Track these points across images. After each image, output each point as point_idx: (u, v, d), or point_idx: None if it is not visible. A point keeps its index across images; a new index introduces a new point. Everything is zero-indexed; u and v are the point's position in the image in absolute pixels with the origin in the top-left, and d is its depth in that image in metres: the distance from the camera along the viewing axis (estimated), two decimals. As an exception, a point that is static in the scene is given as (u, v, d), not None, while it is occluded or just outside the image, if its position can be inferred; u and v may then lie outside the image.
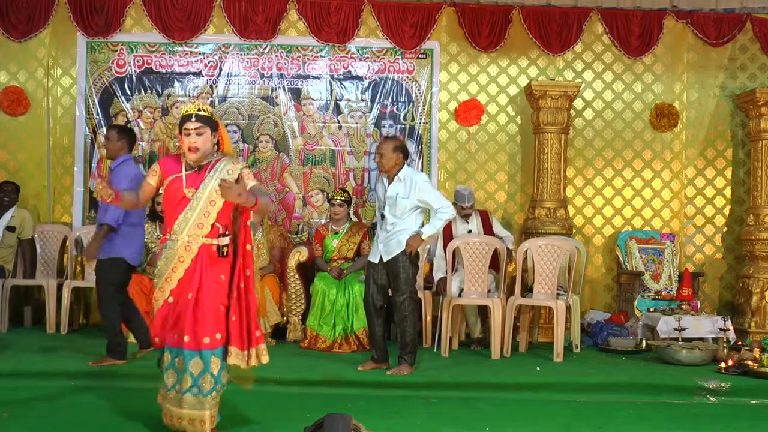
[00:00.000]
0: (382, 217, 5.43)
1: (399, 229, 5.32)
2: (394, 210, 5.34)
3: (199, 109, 3.71)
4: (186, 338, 3.59)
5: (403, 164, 5.40)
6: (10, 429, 4.04)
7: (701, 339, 6.30)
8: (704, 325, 6.36)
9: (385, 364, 5.44)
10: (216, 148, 3.76)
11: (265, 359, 3.78)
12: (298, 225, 7.50)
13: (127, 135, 5.55)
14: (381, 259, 5.39)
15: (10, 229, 6.93)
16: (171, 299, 3.66)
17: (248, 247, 3.78)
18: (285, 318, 6.60)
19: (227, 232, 3.72)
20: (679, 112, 7.66)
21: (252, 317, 3.75)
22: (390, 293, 5.47)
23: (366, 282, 5.51)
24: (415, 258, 5.39)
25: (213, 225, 3.68)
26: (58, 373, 5.13)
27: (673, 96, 7.70)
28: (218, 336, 3.63)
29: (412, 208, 5.32)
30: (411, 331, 5.33)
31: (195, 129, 3.67)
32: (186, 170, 3.71)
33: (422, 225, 5.39)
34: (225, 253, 3.70)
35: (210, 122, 3.71)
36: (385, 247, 5.37)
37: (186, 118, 3.70)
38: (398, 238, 5.31)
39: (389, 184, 5.39)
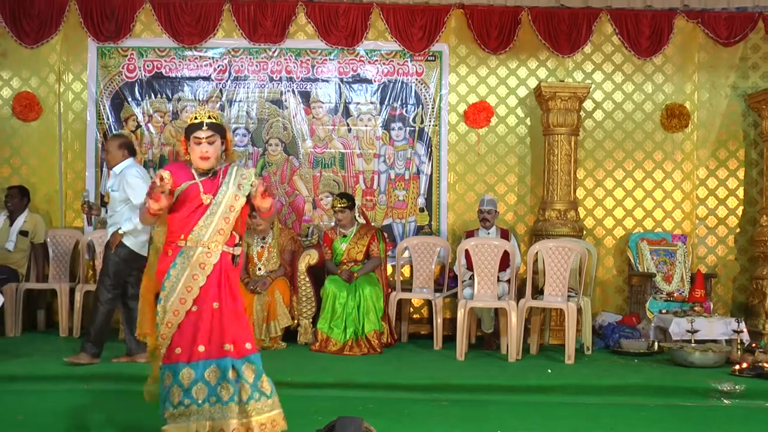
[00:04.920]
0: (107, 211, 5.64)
1: (112, 222, 5.46)
2: (110, 203, 5.48)
3: (209, 117, 3.62)
4: (230, 347, 3.50)
5: (129, 160, 5.48)
6: (23, 432, 4.07)
7: (714, 341, 6.25)
8: (717, 327, 6.31)
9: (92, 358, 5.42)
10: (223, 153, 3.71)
11: None
12: (308, 228, 7.51)
13: None
14: None
15: (23, 233, 7.00)
16: (195, 308, 3.52)
17: None
18: (296, 321, 6.61)
19: (240, 242, 3.68)
20: (690, 112, 7.61)
21: None
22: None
23: None
24: (122, 252, 5.35)
25: (231, 232, 3.62)
26: (71, 376, 5.16)
27: (683, 96, 7.65)
28: (250, 344, 3.60)
29: (122, 201, 5.38)
30: (94, 323, 5.40)
31: (207, 138, 3.58)
32: (200, 176, 3.63)
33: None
34: (237, 263, 3.67)
35: (220, 129, 3.65)
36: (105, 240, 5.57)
37: (197, 126, 3.60)
38: (110, 232, 5.44)
39: None
